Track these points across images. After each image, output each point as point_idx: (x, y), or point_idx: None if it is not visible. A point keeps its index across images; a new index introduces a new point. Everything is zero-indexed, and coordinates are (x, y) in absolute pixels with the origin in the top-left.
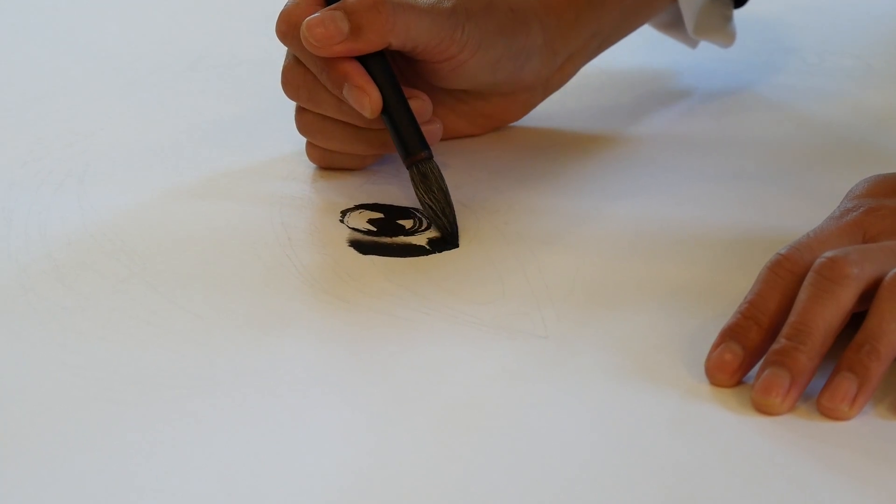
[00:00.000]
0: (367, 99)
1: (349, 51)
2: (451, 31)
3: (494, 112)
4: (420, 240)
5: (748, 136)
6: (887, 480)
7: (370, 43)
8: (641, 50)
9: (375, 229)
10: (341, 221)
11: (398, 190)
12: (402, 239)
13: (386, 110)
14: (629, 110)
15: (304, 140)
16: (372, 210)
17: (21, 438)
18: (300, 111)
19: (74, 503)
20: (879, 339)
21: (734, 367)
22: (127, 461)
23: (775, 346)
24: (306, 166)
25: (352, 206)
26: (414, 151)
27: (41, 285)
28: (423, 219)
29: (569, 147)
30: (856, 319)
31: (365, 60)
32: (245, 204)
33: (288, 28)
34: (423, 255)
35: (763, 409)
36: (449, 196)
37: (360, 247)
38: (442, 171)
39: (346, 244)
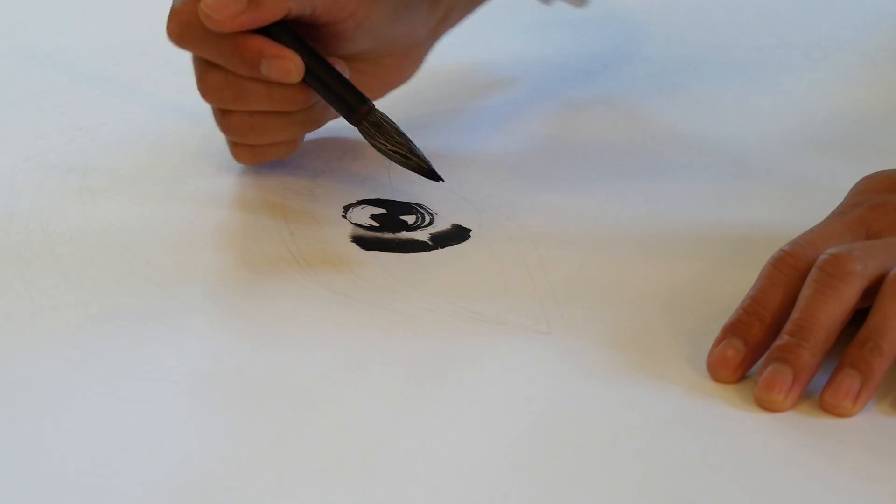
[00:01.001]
0: (289, 63)
1: (253, 20)
2: None
3: (389, 75)
4: (422, 235)
5: (751, 132)
6: (890, 477)
7: (271, 10)
8: (642, 47)
9: (378, 225)
10: (343, 217)
11: (401, 185)
12: (404, 234)
13: (311, 74)
14: (631, 107)
15: (312, 137)
16: (374, 205)
17: (23, 434)
18: (225, 114)
19: (76, 499)
20: (883, 335)
21: (736, 363)
22: (129, 457)
23: (778, 343)
24: (309, 161)
25: (354, 201)
26: (358, 106)
27: (43, 280)
28: (426, 214)
29: (571, 143)
30: (859, 316)
31: (270, 32)
32: (247, 199)
33: (182, 28)
34: (426, 250)
35: (766, 405)
36: (407, 136)
37: (363, 242)
38: (442, 164)
39: (348, 240)
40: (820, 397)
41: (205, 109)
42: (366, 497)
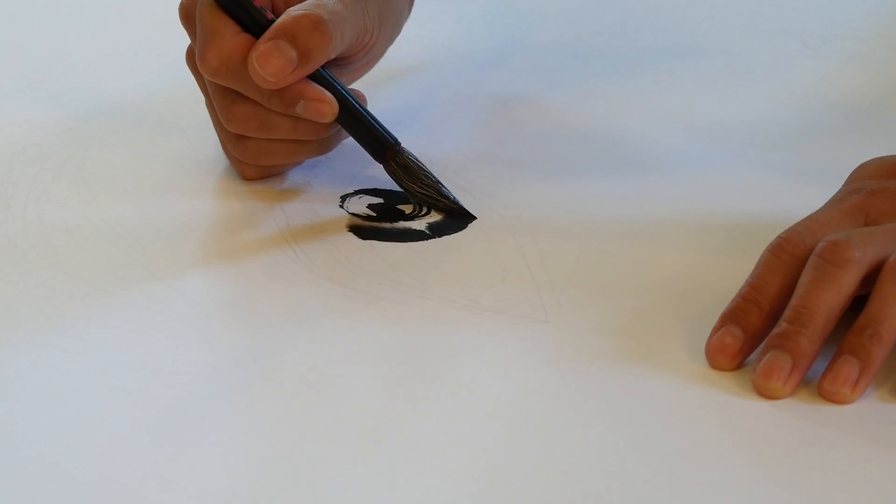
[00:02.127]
0: (325, 106)
1: (301, 76)
2: (363, 20)
3: (362, 71)
4: (420, 224)
5: (750, 119)
6: (889, 463)
7: (317, 64)
8: (639, 35)
9: (375, 214)
10: (341, 206)
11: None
12: (402, 224)
13: (342, 111)
14: (628, 95)
15: None
16: (372, 195)
17: (20, 425)
18: (241, 140)
19: (74, 490)
20: (881, 322)
21: (734, 351)
22: (127, 447)
23: (777, 330)
24: None
25: (351, 191)
26: (388, 146)
27: (40, 271)
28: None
29: (569, 132)
30: (858, 303)
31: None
32: (245, 189)
33: (221, 63)
34: (424, 239)
35: (764, 392)
36: (435, 177)
37: (360, 232)
38: (438, 153)
39: (345, 229)
40: (819, 384)
41: (201, 100)
42: (364, 486)
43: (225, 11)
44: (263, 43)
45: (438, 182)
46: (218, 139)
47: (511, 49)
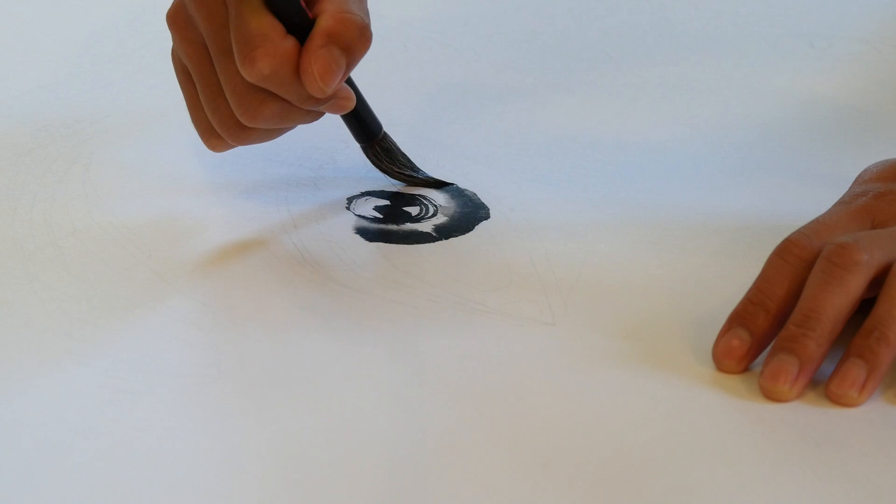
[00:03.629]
0: (350, 102)
1: (343, 80)
2: (367, 10)
3: None
4: (426, 227)
5: (756, 121)
6: None
7: (356, 65)
8: (646, 36)
9: (381, 216)
10: (347, 208)
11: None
12: (408, 226)
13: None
14: (634, 97)
15: (311, 127)
16: (378, 197)
17: (27, 427)
18: (245, 130)
19: (80, 492)
20: (889, 325)
21: (741, 353)
22: (133, 450)
23: (784, 333)
24: (312, 153)
25: (358, 193)
26: (377, 132)
27: (46, 273)
28: (430, 205)
29: (576, 133)
30: (865, 306)
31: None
32: (251, 191)
33: (272, 71)
34: (430, 242)
35: (771, 395)
36: (410, 160)
37: (367, 234)
38: (445, 156)
39: (352, 231)
40: (826, 387)
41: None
42: (368, 489)
43: (272, 10)
44: (317, 51)
45: (413, 164)
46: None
47: (517, 51)
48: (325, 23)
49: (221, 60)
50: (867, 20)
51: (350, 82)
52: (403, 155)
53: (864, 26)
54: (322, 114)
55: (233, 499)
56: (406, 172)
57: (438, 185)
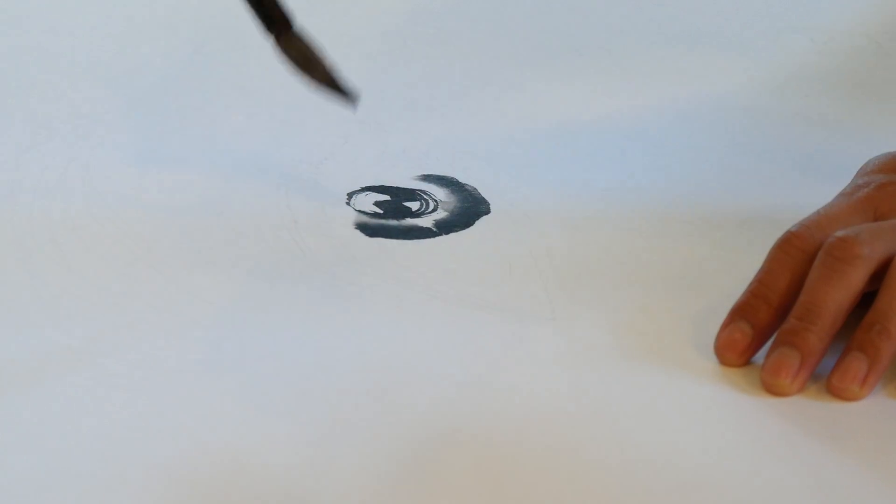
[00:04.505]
0: None
1: None
2: None
3: None
4: (426, 222)
5: (757, 115)
6: None
7: None
8: (644, 29)
9: (382, 211)
10: (347, 204)
11: (405, 171)
12: (408, 221)
13: None
14: (635, 89)
15: (311, 122)
16: (378, 192)
17: (26, 424)
18: None
19: (77, 488)
20: (890, 318)
21: (743, 347)
22: (132, 447)
23: (785, 326)
24: (312, 148)
25: (358, 188)
26: (283, 22)
27: (46, 270)
28: (430, 200)
29: (576, 127)
30: (867, 299)
31: None
32: (251, 187)
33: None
34: (430, 237)
35: (773, 389)
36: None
37: (367, 229)
38: (443, 150)
39: (352, 227)
40: (827, 381)
41: (207, 100)
42: (367, 487)
43: None
44: None
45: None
46: None
47: (517, 46)
48: None
49: None
50: (868, 14)
51: None
52: (323, 55)
53: (864, 20)
54: None
55: (232, 497)
56: (328, 77)
57: (343, 94)
